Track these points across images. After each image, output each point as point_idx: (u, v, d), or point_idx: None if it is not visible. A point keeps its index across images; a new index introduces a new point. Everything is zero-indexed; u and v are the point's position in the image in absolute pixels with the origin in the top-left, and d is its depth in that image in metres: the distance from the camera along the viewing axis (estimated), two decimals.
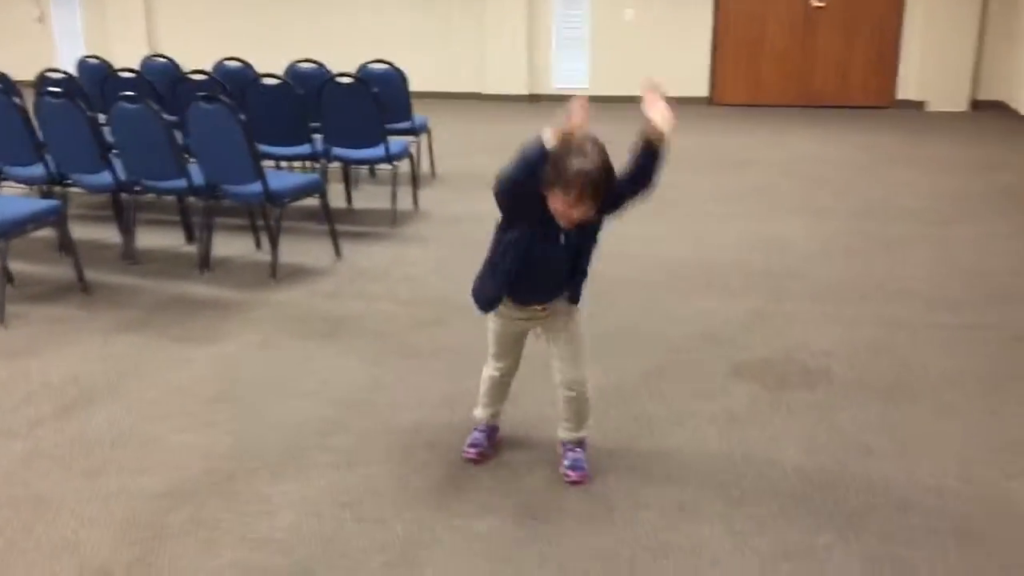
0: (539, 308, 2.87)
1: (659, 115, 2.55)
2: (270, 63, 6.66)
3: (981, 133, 8.95)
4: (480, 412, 3.14)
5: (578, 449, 3.02)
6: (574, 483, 2.94)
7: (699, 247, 5.47)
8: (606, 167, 2.54)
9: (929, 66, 10.14)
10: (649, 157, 2.61)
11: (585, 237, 2.75)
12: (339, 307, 4.61)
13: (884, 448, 3.15)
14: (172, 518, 2.82)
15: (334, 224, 5.45)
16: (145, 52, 9.04)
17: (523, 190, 2.59)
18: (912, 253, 5.27)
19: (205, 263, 5.18)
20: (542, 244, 2.69)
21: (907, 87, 10.41)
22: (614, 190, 2.60)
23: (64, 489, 2.99)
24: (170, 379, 3.79)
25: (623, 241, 5.57)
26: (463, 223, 6.02)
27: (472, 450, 3.10)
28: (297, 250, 5.45)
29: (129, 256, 5.36)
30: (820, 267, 5.06)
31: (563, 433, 3.03)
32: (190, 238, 5.70)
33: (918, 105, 10.31)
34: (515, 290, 2.82)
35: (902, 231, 5.70)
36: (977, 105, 10.15)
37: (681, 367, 3.83)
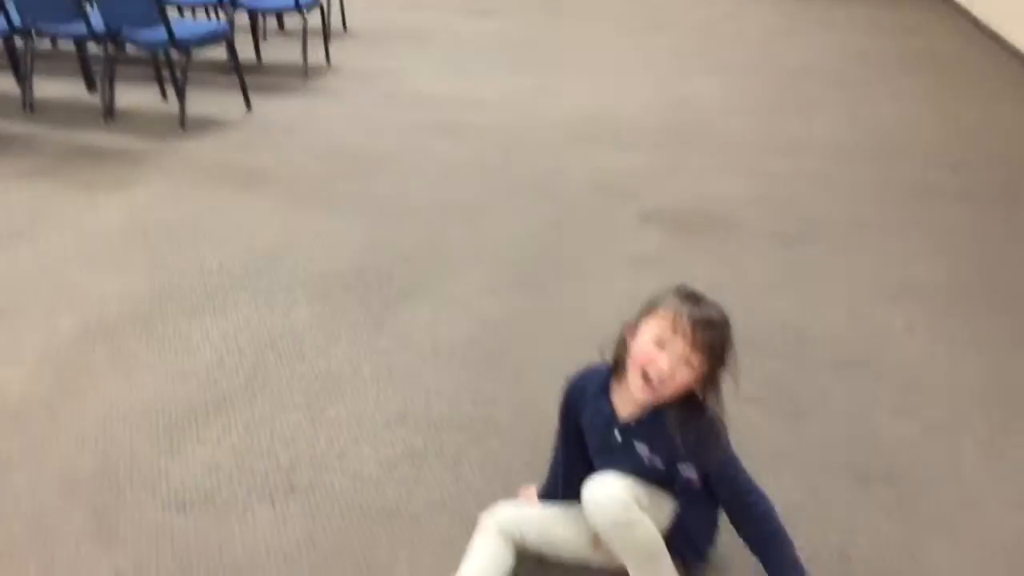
0: None
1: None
2: None
3: None
4: None
5: None
6: None
7: (613, 104, 5.52)
8: (725, 320, 1.82)
9: None
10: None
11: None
12: (251, 158, 4.55)
13: (783, 287, 3.33)
14: (92, 356, 2.85)
15: (243, 75, 5.31)
16: None
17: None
18: (821, 110, 5.43)
19: (109, 112, 5.03)
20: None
21: None
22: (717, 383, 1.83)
23: None
24: (82, 224, 3.74)
25: (539, 96, 5.60)
26: (376, 77, 5.93)
27: None
28: (205, 102, 5.33)
29: (28, 106, 5.15)
30: (729, 122, 5.18)
31: None
32: (91, 87, 5.50)
33: None
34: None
35: (812, 89, 5.85)
36: None
37: (591, 215, 3.93)
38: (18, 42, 5.28)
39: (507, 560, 1.93)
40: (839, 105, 5.54)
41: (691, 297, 1.82)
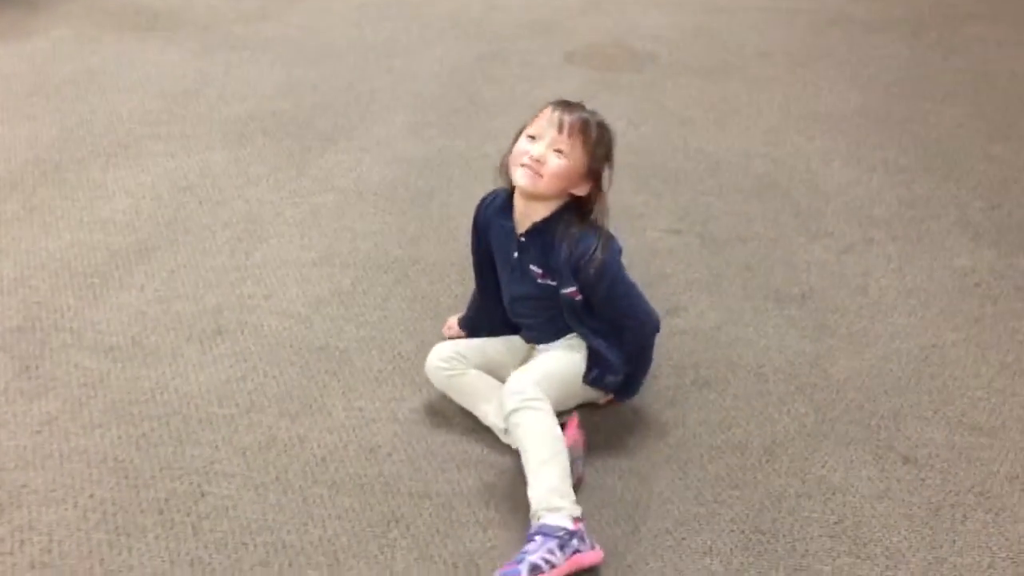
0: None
1: None
2: None
3: None
4: None
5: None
6: None
7: None
8: (600, 121, 1.91)
9: None
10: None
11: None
12: (155, 1, 4.34)
13: (701, 119, 3.36)
14: (3, 207, 2.77)
15: None
16: None
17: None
18: None
19: None
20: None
21: None
22: (598, 180, 1.93)
23: None
24: None
25: None
26: None
27: None
28: None
29: None
30: None
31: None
32: None
33: None
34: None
35: None
36: None
37: (515, 54, 3.87)
38: None
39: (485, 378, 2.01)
40: None
41: (565, 102, 1.92)
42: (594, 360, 1.97)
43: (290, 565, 1.68)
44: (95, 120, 3.26)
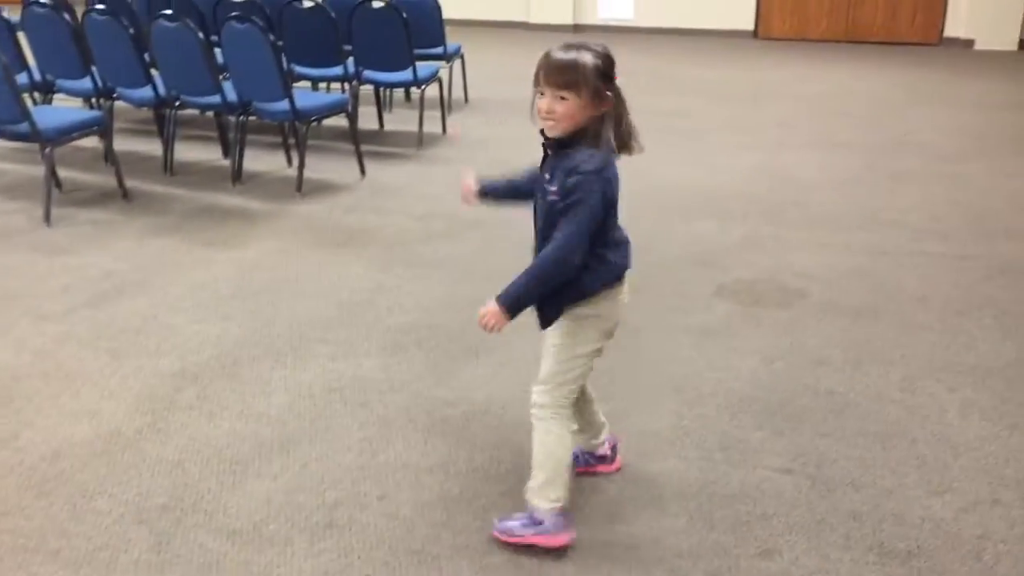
0: None
1: None
2: None
3: (1020, 72, 8.83)
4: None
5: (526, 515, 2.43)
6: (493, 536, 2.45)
7: (706, 174, 5.63)
8: (584, 57, 2.18)
9: (978, 2, 9.97)
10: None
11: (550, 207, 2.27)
12: (356, 220, 4.90)
13: (838, 360, 3.36)
14: (181, 395, 3.17)
15: (360, 143, 5.72)
16: None
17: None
18: (915, 187, 5.37)
19: (237, 176, 5.51)
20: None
21: (956, 24, 10.24)
22: (606, 99, 2.20)
23: (90, 367, 3.36)
24: (193, 278, 4.13)
25: (637, 165, 5.77)
26: (488, 146, 6.25)
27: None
28: (325, 167, 5.75)
29: (169, 168, 5.70)
30: (821, 197, 5.20)
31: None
32: (226, 153, 6.02)
33: (967, 43, 10.16)
34: None
35: (912, 166, 5.79)
36: None
37: (668, 284, 4.05)
38: (165, 110, 5.85)
39: None
40: (936, 181, 5.47)
41: (553, 50, 2.22)
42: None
43: None
44: (277, 322, 3.70)
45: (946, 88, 8.23)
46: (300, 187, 5.32)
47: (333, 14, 6.02)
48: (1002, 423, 2.95)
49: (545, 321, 2.37)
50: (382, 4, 6.16)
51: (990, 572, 2.30)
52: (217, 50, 5.49)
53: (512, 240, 4.55)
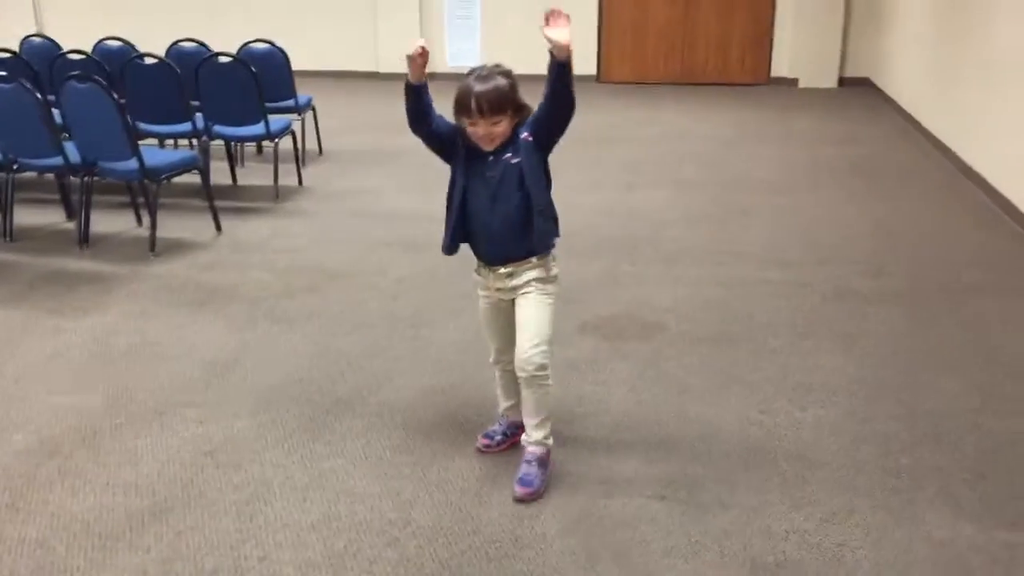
0: (503, 270, 2.81)
1: (558, 33, 2.52)
2: (159, 42, 6.84)
3: (845, 109, 9.51)
4: (500, 406, 3.13)
5: (532, 459, 2.89)
6: (517, 499, 2.83)
7: (560, 214, 5.78)
8: (501, 83, 2.61)
9: (801, 45, 10.70)
10: (560, 73, 2.58)
11: (515, 171, 2.70)
12: (215, 277, 4.81)
13: (700, 387, 3.52)
14: (40, 470, 3.03)
15: (214, 199, 5.63)
16: (33, 30, 9.03)
17: (428, 130, 2.74)
18: (757, 220, 5.71)
19: (84, 239, 5.31)
20: (473, 181, 2.75)
21: (781, 65, 10.95)
22: (524, 107, 2.69)
23: None
24: (47, 347, 3.96)
25: None
26: (345, 197, 6.24)
27: (482, 440, 3.11)
28: (178, 225, 5.62)
29: (8, 234, 5.44)
30: (671, 233, 5.45)
31: (524, 436, 2.94)
32: (70, 215, 5.81)
33: (792, 82, 10.86)
34: (474, 242, 2.85)
35: (752, 200, 6.14)
36: (844, 82, 10.75)
37: None
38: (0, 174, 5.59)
39: None
40: (776, 214, 5.83)
41: (472, 86, 2.61)
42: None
43: None
44: (138, 388, 3.58)
45: (776, 125, 8.77)
46: (153, 247, 5.18)
47: (179, 69, 5.94)
48: (849, 436, 3.16)
49: (528, 252, 2.79)
50: (229, 59, 6.11)
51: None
52: (55, 110, 5.32)
53: (379, 289, 4.58)
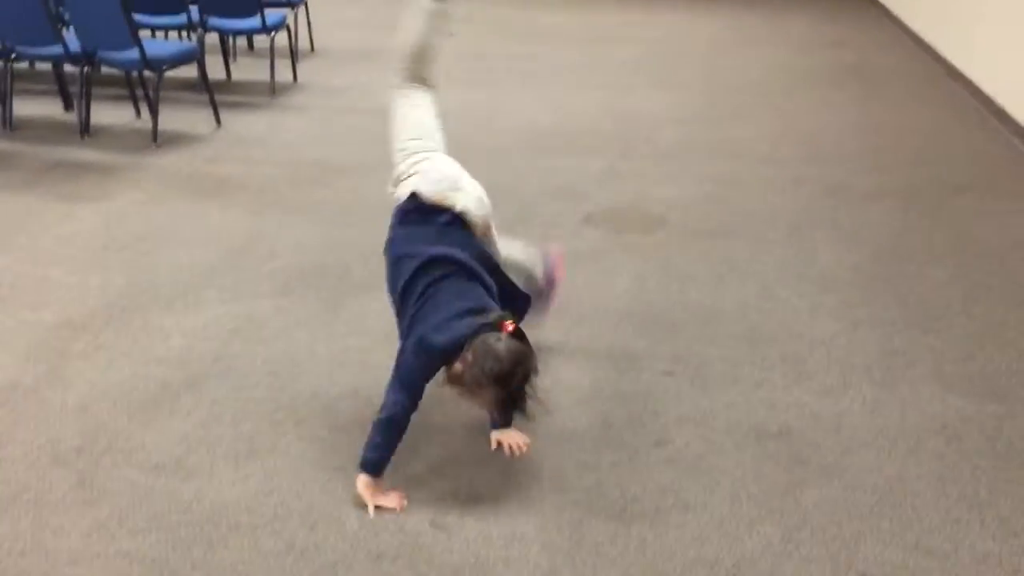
0: None
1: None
2: None
3: (836, 13, 9.51)
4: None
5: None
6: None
7: (559, 115, 5.86)
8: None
9: None
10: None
11: None
12: (220, 169, 4.86)
13: (703, 276, 3.67)
14: (73, 345, 3.15)
15: (213, 93, 5.63)
16: None
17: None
18: (753, 119, 5.80)
19: (85, 129, 5.32)
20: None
21: None
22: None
23: None
24: (61, 231, 4.03)
25: (493, 107, 5.94)
26: (341, 94, 6.25)
27: None
28: (177, 118, 5.63)
29: (8, 124, 5.44)
30: (668, 133, 5.53)
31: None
32: (68, 106, 5.79)
33: None
34: None
35: (749, 101, 6.22)
36: None
37: (538, 216, 4.26)
38: None
39: None
40: (769, 115, 5.91)
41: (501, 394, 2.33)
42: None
43: None
44: (158, 271, 3.68)
45: (772, 30, 8.77)
46: (156, 138, 5.21)
47: None
48: (846, 320, 3.34)
49: None
50: None
51: (848, 441, 2.65)
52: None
53: (381, 182, 4.65)
